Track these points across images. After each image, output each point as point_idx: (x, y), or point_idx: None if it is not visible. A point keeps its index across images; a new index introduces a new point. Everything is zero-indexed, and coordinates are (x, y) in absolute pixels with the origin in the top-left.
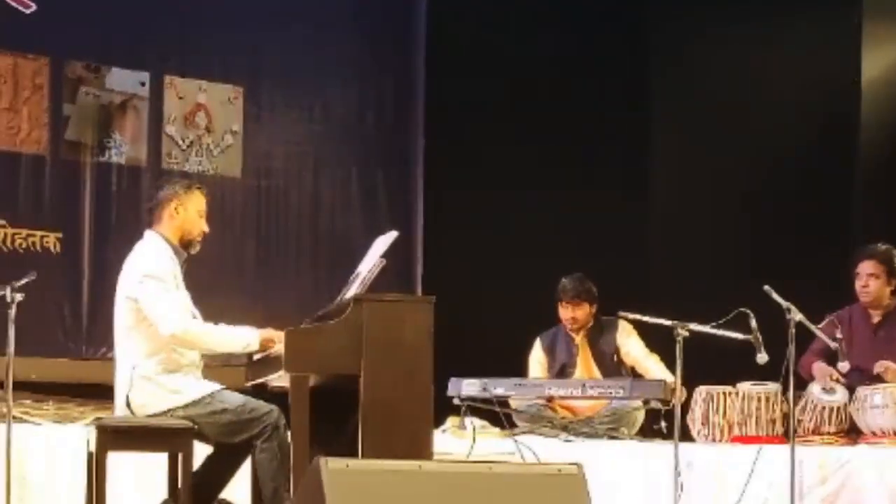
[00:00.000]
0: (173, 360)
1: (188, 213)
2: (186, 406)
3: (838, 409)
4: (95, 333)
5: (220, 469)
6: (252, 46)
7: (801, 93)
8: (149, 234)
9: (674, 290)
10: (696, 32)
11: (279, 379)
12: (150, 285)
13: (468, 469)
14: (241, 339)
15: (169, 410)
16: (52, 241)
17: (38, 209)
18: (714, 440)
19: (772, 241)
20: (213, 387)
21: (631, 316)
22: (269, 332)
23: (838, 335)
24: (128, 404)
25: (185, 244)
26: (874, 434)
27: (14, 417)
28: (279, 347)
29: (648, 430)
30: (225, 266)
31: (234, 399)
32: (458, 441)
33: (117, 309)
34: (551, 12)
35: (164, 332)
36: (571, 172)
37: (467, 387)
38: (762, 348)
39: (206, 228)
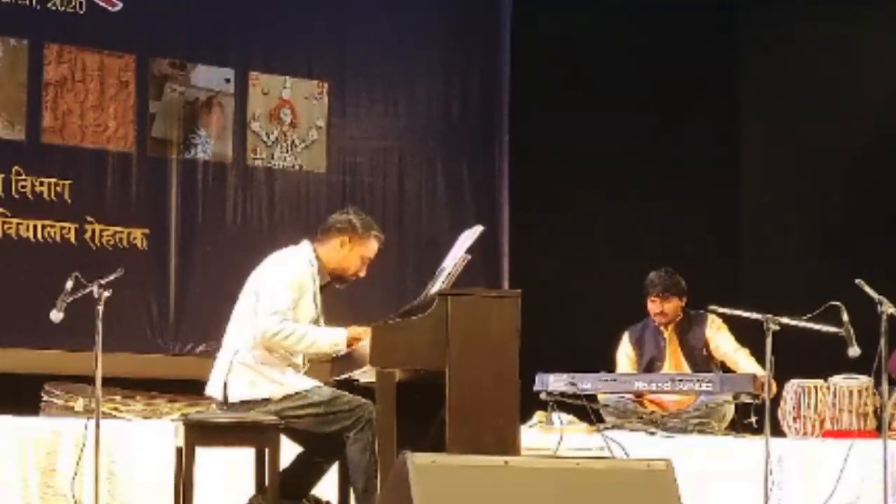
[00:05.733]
0: (276, 357)
1: (353, 254)
2: (282, 399)
3: None
4: (182, 329)
5: (310, 466)
6: (336, 41)
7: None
8: (305, 245)
9: (763, 284)
10: (787, 20)
11: (365, 374)
12: (277, 281)
13: (556, 465)
14: (329, 342)
15: (264, 400)
16: (138, 237)
17: (125, 206)
18: (805, 434)
19: (864, 232)
20: (312, 383)
21: (720, 310)
22: (356, 330)
23: None
24: (224, 388)
25: (336, 278)
26: None
27: (103, 413)
28: (365, 343)
29: (739, 425)
30: None
31: (328, 393)
32: (545, 436)
33: (241, 296)
34: (637, 3)
35: (257, 328)
36: (659, 164)
37: (554, 382)
38: (854, 342)
39: (362, 274)
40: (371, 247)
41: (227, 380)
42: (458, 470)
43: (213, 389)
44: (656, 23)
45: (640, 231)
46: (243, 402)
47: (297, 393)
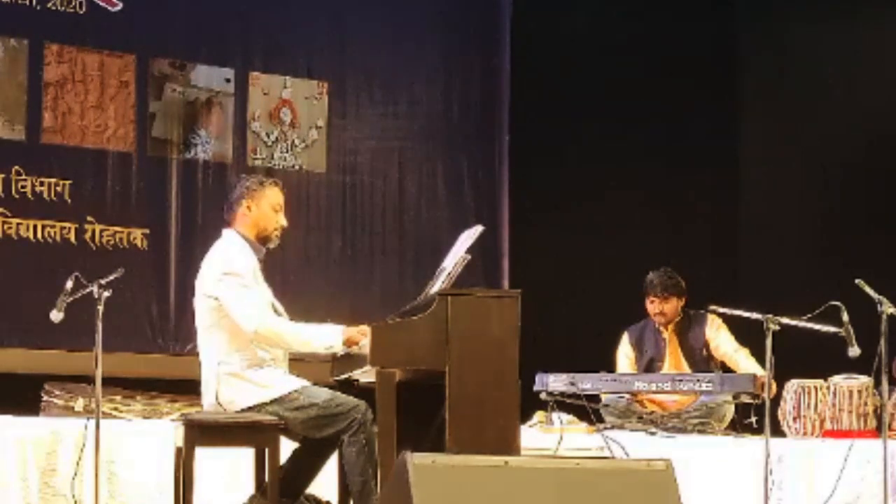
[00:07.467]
0: (258, 356)
1: (261, 209)
2: (274, 401)
3: None
4: (183, 329)
5: (306, 464)
6: (337, 42)
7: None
8: (226, 233)
9: (763, 284)
10: (787, 20)
11: (365, 374)
12: (230, 283)
13: (555, 465)
14: (324, 340)
15: (257, 405)
16: (138, 237)
17: (126, 206)
18: (805, 434)
19: (864, 232)
20: (301, 382)
21: (721, 310)
22: (353, 333)
23: None
24: (217, 401)
25: (262, 240)
26: None
27: (103, 413)
28: (364, 343)
29: (739, 425)
30: (310, 261)
31: (322, 394)
32: (545, 436)
33: (197, 307)
34: (638, 3)
35: (247, 330)
36: (658, 165)
37: (554, 382)
38: (854, 342)
39: (283, 223)
40: (274, 194)
41: (217, 392)
42: (458, 470)
43: (208, 405)
44: (656, 23)
45: (641, 231)
46: (237, 412)
47: (287, 395)
